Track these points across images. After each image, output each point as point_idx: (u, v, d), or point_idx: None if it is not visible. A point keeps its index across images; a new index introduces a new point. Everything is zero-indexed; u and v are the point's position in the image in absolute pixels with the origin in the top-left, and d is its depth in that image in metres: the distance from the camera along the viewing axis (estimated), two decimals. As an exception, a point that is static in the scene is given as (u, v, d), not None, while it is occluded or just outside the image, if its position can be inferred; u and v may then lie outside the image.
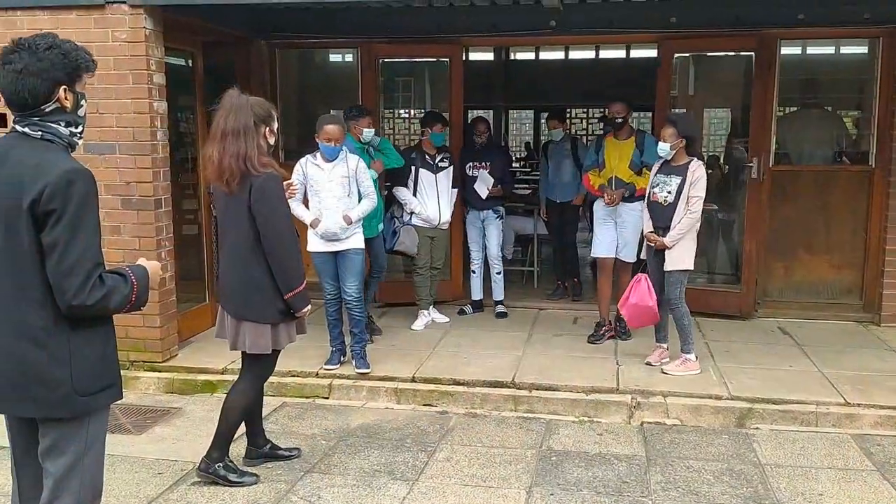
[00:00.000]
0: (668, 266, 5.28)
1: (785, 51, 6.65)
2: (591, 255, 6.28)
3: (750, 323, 6.62)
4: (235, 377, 5.34)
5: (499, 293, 6.95)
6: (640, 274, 5.42)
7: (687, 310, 5.34)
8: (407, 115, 10.94)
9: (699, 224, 5.32)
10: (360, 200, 5.39)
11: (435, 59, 7.69)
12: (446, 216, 6.59)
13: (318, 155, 5.29)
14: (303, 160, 5.36)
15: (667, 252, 5.27)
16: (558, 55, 13.44)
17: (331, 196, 5.29)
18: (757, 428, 4.72)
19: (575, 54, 13.31)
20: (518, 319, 6.74)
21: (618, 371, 5.37)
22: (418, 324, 6.58)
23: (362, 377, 5.33)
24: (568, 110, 13.07)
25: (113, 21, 5.27)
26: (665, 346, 5.55)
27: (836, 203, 6.68)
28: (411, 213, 6.45)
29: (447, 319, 6.72)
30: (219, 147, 3.68)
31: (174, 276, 5.68)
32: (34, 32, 5.30)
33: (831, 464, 4.22)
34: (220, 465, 3.91)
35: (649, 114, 13.73)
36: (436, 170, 6.51)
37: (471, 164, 6.81)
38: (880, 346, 5.98)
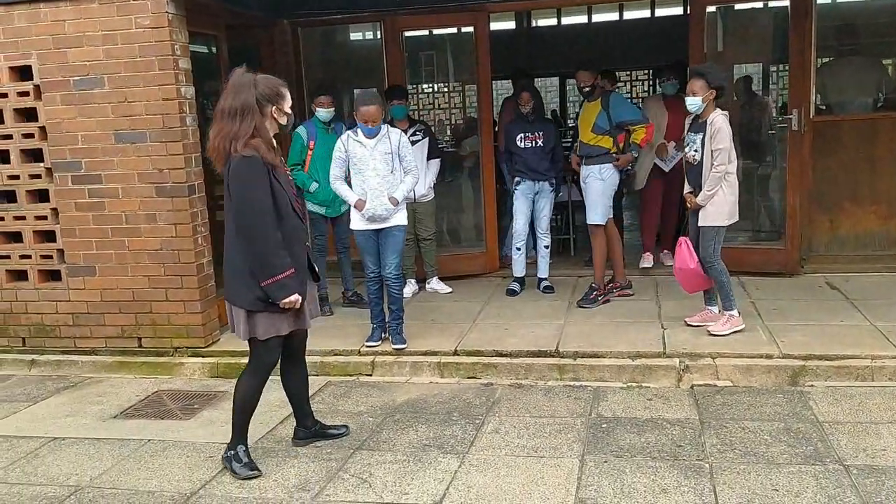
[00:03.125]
0: (700, 222, 5.17)
1: (821, -1, 6.42)
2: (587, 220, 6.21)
3: (796, 280, 6.46)
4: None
5: (544, 269, 6.70)
6: (681, 238, 5.32)
7: (724, 266, 5.18)
8: (431, 90, 10.83)
9: (734, 177, 5.12)
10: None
11: (458, 30, 7.57)
12: (421, 190, 6.45)
13: (358, 131, 5.18)
14: (344, 136, 5.27)
15: (700, 213, 5.15)
16: (581, 19, 13.18)
17: (375, 175, 5.16)
18: (812, 385, 4.60)
19: (598, 17, 13.04)
20: (558, 288, 6.65)
21: (663, 335, 5.27)
22: (441, 287, 6.85)
23: (402, 353, 5.29)
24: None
25: (135, 7, 5.23)
26: (710, 308, 5.43)
27: (881, 152, 6.46)
28: None
29: (449, 289, 6.78)
30: (216, 127, 3.61)
31: (211, 261, 5.68)
32: (57, 24, 5.36)
33: (892, 418, 4.10)
34: (233, 452, 3.87)
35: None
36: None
37: (521, 135, 6.55)
38: (933, 296, 5.81)
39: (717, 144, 5.00)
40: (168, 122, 5.31)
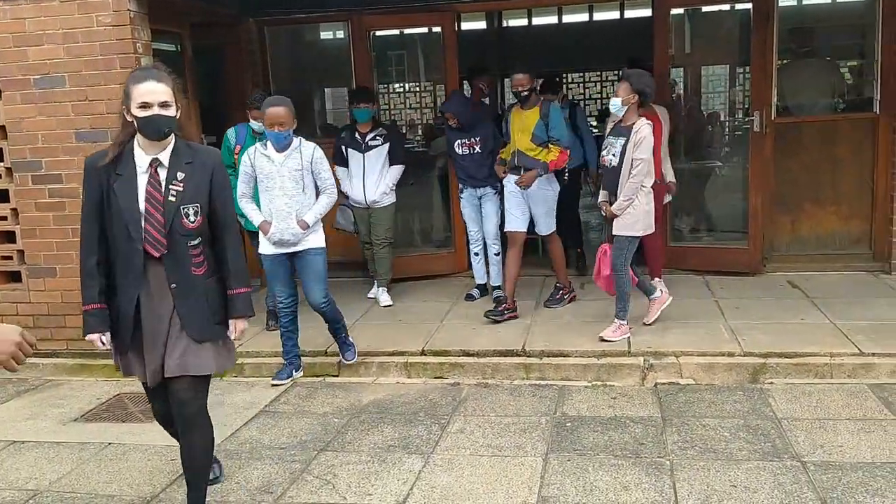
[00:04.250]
0: (615, 230, 5.10)
1: (783, 2, 6.52)
2: (505, 228, 5.92)
3: (759, 279, 6.55)
4: (243, 360, 5.34)
5: (496, 276, 6.35)
6: (603, 245, 5.31)
7: (630, 278, 5.17)
8: (401, 90, 10.84)
9: (649, 189, 5.05)
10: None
11: (427, 30, 7.57)
12: (373, 196, 6.29)
13: (268, 144, 4.76)
14: (251, 149, 4.85)
15: (616, 222, 5.08)
16: (551, 19, 13.25)
17: (282, 194, 4.73)
18: (771, 382, 4.67)
19: (568, 17, 13.12)
20: (525, 288, 6.66)
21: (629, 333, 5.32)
22: (371, 291, 6.66)
23: (369, 353, 5.27)
24: (563, 75, 12.90)
25: (96, 5, 5.16)
26: (655, 296, 5.44)
27: (841, 153, 6.57)
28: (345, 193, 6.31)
29: (390, 303, 6.37)
30: None
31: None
32: (17, 21, 5.27)
33: (849, 415, 4.18)
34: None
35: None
36: (364, 148, 6.25)
37: (458, 141, 6.29)
38: (892, 294, 5.92)
39: (639, 154, 4.92)
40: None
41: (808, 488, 3.42)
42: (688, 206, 7.57)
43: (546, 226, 5.91)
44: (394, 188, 6.40)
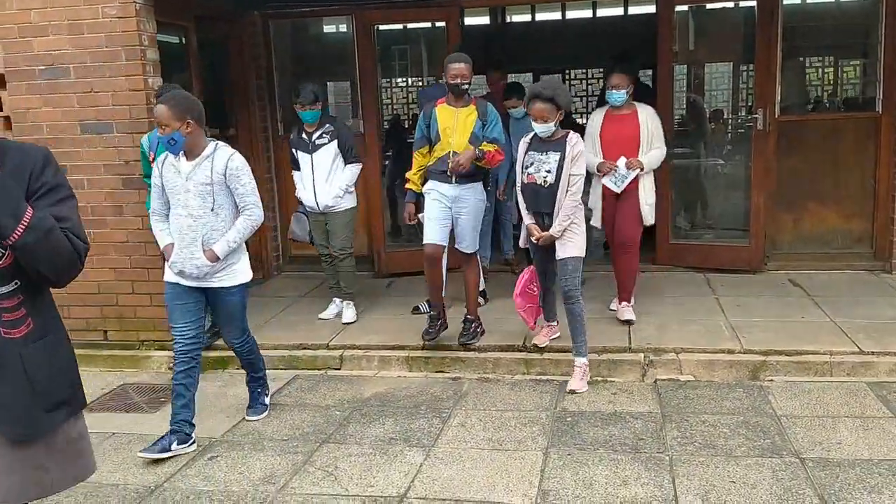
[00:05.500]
0: (561, 254, 4.64)
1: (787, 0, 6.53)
2: (424, 240, 5.15)
3: (760, 277, 6.57)
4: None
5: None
6: (527, 269, 4.96)
7: (584, 306, 4.74)
8: (405, 84, 10.84)
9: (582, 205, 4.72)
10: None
11: (431, 25, 7.58)
12: (325, 201, 5.72)
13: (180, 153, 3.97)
14: (161, 157, 4.06)
15: (558, 244, 4.65)
16: (555, 15, 13.25)
17: (185, 214, 3.90)
18: (771, 380, 4.69)
19: (572, 14, 13.12)
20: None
21: (629, 330, 5.34)
22: (326, 312, 6.00)
23: (371, 347, 5.30)
24: (567, 72, 12.90)
25: (102, -3, 5.18)
26: (554, 322, 5.16)
27: (844, 152, 6.58)
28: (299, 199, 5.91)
29: (354, 319, 5.84)
30: None
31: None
32: (22, 12, 5.28)
33: (848, 412, 4.20)
34: None
35: (649, 71, 13.67)
36: (311, 148, 5.73)
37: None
38: (893, 293, 5.94)
39: (578, 169, 4.56)
40: (135, 113, 5.26)
41: (806, 484, 3.44)
42: (689, 203, 7.61)
43: (471, 241, 5.18)
44: (350, 190, 5.81)
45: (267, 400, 4.54)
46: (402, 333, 5.50)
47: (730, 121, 8.40)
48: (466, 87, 5.03)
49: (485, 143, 5.01)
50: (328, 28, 8.44)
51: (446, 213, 5.08)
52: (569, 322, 4.74)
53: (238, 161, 3.92)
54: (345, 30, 7.85)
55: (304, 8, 7.11)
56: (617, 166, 5.35)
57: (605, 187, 5.42)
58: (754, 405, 4.35)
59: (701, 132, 7.79)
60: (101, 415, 4.65)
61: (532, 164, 4.66)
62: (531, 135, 4.70)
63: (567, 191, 4.55)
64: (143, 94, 5.22)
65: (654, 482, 3.53)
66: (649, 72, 12.11)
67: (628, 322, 5.39)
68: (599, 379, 4.85)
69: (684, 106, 8.20)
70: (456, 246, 5.23)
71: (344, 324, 5.77)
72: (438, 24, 7.32)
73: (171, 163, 3.95)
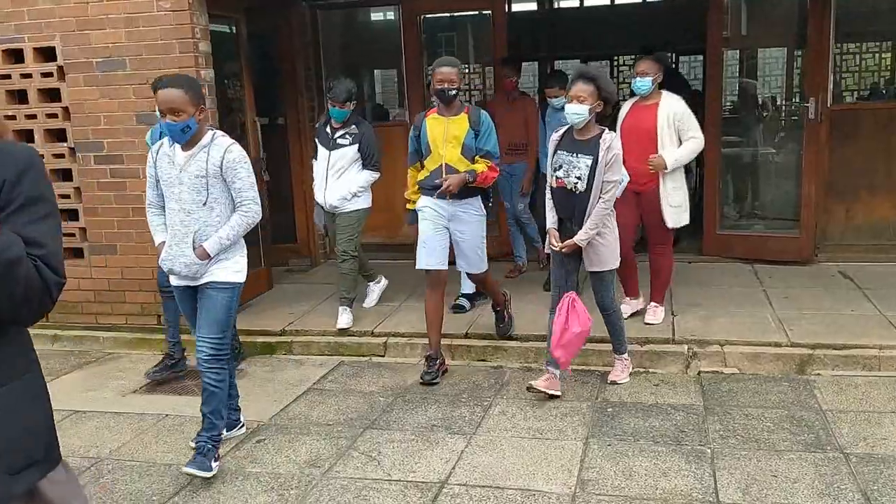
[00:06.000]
0: (593, 266, 4.35)
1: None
2: (417, 265, 4.82)
3: (809, 268, 6.46)
4: (292, 338, 5.50)
5: (466, 284, 5.77)
6: (568, 294, 4.35)
7: (620, 311, 4.67)
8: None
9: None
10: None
11: (478, 11, 7.58)
12: (332, 199, 5.55)
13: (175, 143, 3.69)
14: (156, 146, 3.81)
15: (586, 250, 4.31)
16: (604, 0, 13.10)
17: (178, 208, 3.64)
18: (818, 374, 4.64)
19: (621, -1, 12.96)
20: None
21: (673, 321, 5.31)
22: (341, 320, 5.56)
23: (415, 335, 5.36)
24: (616, 58, 12.75)
25: (157, -9, 5.32)
26: (557, 371, 4.48)
27: (899, 141, 6.43)
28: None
29: (348, 325, 5.51)
30: None
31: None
32: (81, 6, 5.45)
33: (895, 408, 4.14)
34: None
35: (700, 57, 13.42)
36: (331, 145, 5.56)
37: None
38: (947, 287, 5.80)
39: (613, 175, 4.19)
40: (188, 104, 5.39)
41: (849, 480, 3.41)
42: (738, 192, 7.50)
43: (478, 261, 4.86)
44: (360, 193, 5.59)
45: (215, 465, 3.68)
46: (446, 322, 5.55)
47: (783, 108, 8.23)
48: (454, 93, 4.65)
49: (477, 157, 4.69)
50: (375, 16, 8.52)
51: (443, 232, 4.77)
52: (607, 328, 4.61)
53: (236, 153, 3.62)
54: (391, 17, 7.92)
55: (351, -2, 7.19)
56: None
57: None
58: (799, 399, 4.31)
59: (751, 120, 7.66)
60: (155, 397, 4.82)
61: (561, 166, 4.26)
62: (561, 131, 4.33)
63: (599, 197, 4.19)
64: (196, 86, 5.35)
65: (694, 474, 3.54)
66: (700, 58, 11.91)
67: (649, 324, 5.21)
68: (641, 370, 4.85)
69: (735, 93, 8.08)
70: (460, 268, 4.97)
71: (339, 329, 5.49)
72: (485, 11, 7.33)
73: (165, 152, 3.67)
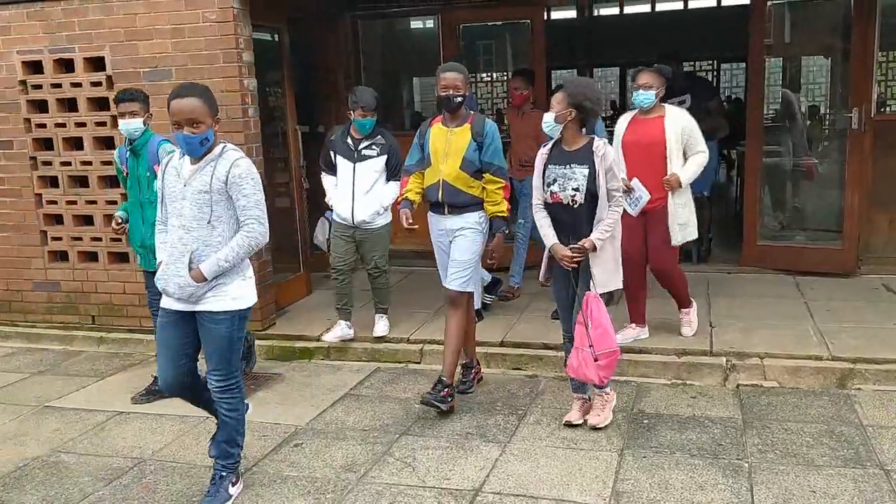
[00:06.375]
0: (599, 288, 3.97)
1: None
2: (445, 283, 4.57)
3: (852, 280, 6.35)
4: (330, 344, 5.56)
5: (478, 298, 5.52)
6: (589, 293, 3.95)
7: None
8: (489, 79, 10.90)
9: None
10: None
11: (516, 21, 7.63)
12: (362, 216, 5.31)
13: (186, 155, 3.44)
14: (166, 158, 3.58)
15: (595, 270, 3.95)
16: (644, 8, 13.04)
17: (178, 225, 3.38)
18: (859, 388, 4.56)
19: (662, 6, 12.89)
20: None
21: (711, 333, 5.27)
22: (329, 334, 5.55)
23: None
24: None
25: (202, 2, 5.44)
26: (586, 396, 4.30)
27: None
28: (330, 205, 5.51)
29: (385, 332, 5.54)
30: None
31: (269, 247, 5.89)
32: (129, 17, 5.59)
33: (940, 425, 4.06)
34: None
35: (742, 65, 13.26)
36: (356, 157, 5.30)
37: None
38: None
39: (616, 182, 3.93)
40: (231, 112, 5.51)
41: (889, 497, 3.36)
42: (779, 203, 7.41)
43: (461, 274, 4.45)
44: (388, 209, 5.42)
45: (233, 490, 3.60)
46: (482, 330, 5.58)
47: (826, 117, 8.12)
48: (460, 100, 4.34)
49: (486, 175, 4.39)
50: (414, 24, 8.60)
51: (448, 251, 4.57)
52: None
53: (243, 167, 3.34)
54: (430, 25, 7.99)
55: (393, 9, 7.27)
56: (632, 187, 4.79)
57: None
58: (839, 414, 4.25)
59: (793, 129, 7.57)
60: (196, 399, 4.92)
61: (555, 180, 3.98)
62: (549, 145, 4.07)
63: (608, 205, 3.95)
64: (239, 95, 5.47)
65: (731, 489, 3.51)
66: (742, 65, 11.77)
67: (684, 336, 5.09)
68: (679, 382, 4.82)
69: (777, 101, 7.99)
70: (443, 282, 4.60)
71: (376, 337, 5.52)
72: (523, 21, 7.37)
73: (174, 165, 3.45)
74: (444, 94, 4.35)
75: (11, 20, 5.86)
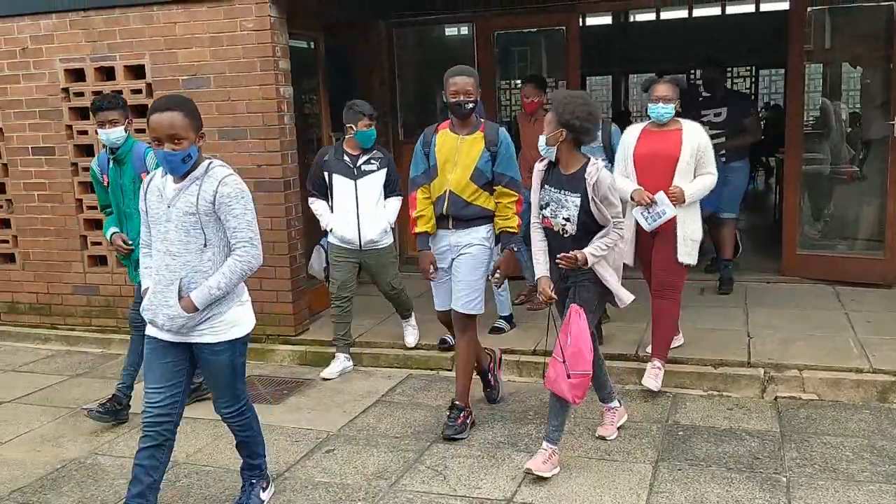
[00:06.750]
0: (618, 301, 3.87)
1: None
2: (451, 305, 4.28)
3: (894, 291, 6.20)
4: (361, 350, 5.59)
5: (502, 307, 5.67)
6: (573, 306, 3.72)
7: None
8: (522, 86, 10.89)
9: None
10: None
11: (551, 28, 7.61)
12: (370, 235, 5.13)
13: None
14: (149, 176, 3.31)
15: (574, 291, 3.76)
16: (681, 13, 12.91)
17: (164, 250, 3.13)
18: (902, 403, 4.46)
19: (700, 11, 12.74)
20: (637, 291, 6.58)
21: (749, 343, 5.18)
22: (329, 370, 5.28)
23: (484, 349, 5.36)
24: (693, 72, 12.56)
25: (240, 11, 5.51)
26: (612, 405, 4.20)
27: None
28: (328, 229, 5.25)
29: (415, 341, 5.48)
30: None
31: (304, 253, 5.93)
32: (169, 26, 5.69)
33: None
34: None
35: (781, 70, 13.07)
36: (356, 174, 5.11)
37: None
38: None
39: (612, 208, 3.65)
40: (267, 120, 5.57)
41: (935, 517, 3.27)
42: (819, 211, 7.27)
43: (468, 295, 4.19)
44: (393, 226, 5.30)
45: (264, 495, 3.59)
46: (514, 339, 5.56)
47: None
48: (472, 105, 4.07)
49: (498, 188, 4.13)
50: (449, 31, 8.62)
51: (450, 269, 4.27)
52: (596, 381, 4.03)
53: (232, 186, 3.09)
54: (465, 32, 8.00)
55: (428, 16, 7.29)
56: (655, 201, 4.50)
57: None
58: (881, 428, 4.14)
59: (833, 137, 7.42)
60: (230, 403, 4.96)
61: (548, 204, 3.74)
62: (546, 161, 3.79)
63: (611, 227, 3.68)
64: (275, 103, 5.53)
65: (768, 503, 3.44)
66: (781, 71, 11.57)
67: (648, 391, 4.66)
68: (715, 393, 4.75)
69: (817, 108, 7.85)
70: (437, 305, 4.41)
71: (408, 347, 5.45)
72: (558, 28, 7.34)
73: (156, 185, 3.19)
74: (454, 99, 4.08)
75: (55, 29, 6.00)
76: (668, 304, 4.69)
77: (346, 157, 5.15)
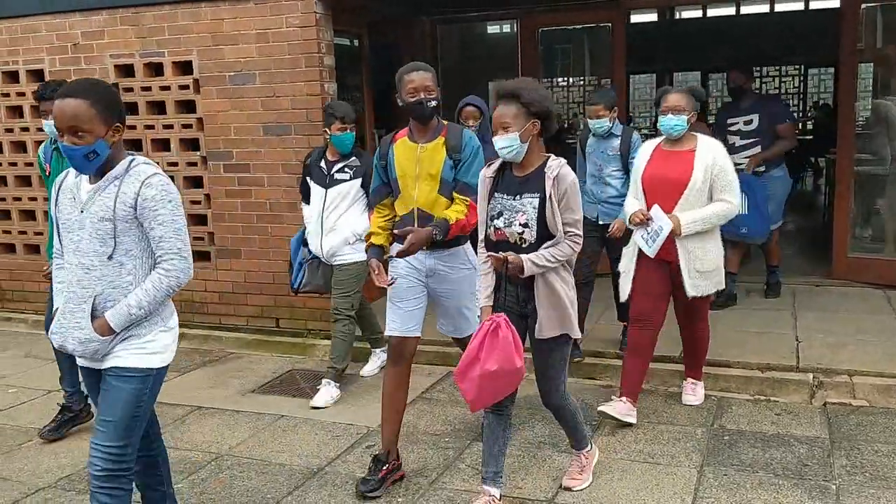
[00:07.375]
0: (542, 332, 3.25)
1: None
2: (387, 331, 3.80)
3: (950, 297, 6.03)
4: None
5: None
6: (495, 316, 3.17)
7: (574, 402, 3.59)
8: (565, 84, 10.81)
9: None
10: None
11: (595, 25, 7.54)
12: (328, 247, 4.78)
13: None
14: (61, 175, 2.84)
15: (539, 310, 3.22)
16: (729, 11, 12.69)
17: (76, 262, 2.67)
18: (958, 412, 4.32)
19: (748, 8, 12.52)
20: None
21: (797, 347, 5.07)
22: (367, 367, 5.30)
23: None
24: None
25: (286, 7, 5.55)
26: (587, 447, 3.72)
27: None
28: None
29: (327, 404, 4.75)
30: None
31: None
32: (216, 22, 5.75)
33: None
34: None
35: (830, 69, 12.80)
36: (327, 183, 4.78)
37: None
38: None
39: (570, 214, 3.11)
40: (311, 116, 5.60)
41: None
42: (872, 214, 7.08)
43: (464, 325, 3.82)
44: (362, 239, 4.47)
45: None
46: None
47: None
48: (433, 104, 3.53)
49: (455, 194, 3.56)
50: (492, 28, 8.60)
51: (419, 290, 3.70)
52: (561, 425, 3.68)
53: (157, 187, 2.63)
54: (508, 30, 7.97)
55: (472, 13, 7.27)
56: (650, 217, 4.06)
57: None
58: (936, 438, 4.02)
59: (887, 137, 7.22)
60: (272, 397, 5.00)
61: (500, 213, 3.19)
62: (494, 166, 3.27)
63: (562, 240, 3.13)
64: (319, 99, 5.55)
65: (817, 512, 3.36)
66: (831, 70, 11.33)
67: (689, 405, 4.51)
68: (762, 398, 4.65)
69: (868, 108, 7.65)
70: (441, 330, 3.98)
71: (312, 408, 4.71)
72: (603, 25, 7.27)
73: (69, 186, 2.74)
74: (413, 98, 3.51)
75: (105, 25, 6.10)
76: (699, 329, 4.47)
77: (322, 163, 4.84)
